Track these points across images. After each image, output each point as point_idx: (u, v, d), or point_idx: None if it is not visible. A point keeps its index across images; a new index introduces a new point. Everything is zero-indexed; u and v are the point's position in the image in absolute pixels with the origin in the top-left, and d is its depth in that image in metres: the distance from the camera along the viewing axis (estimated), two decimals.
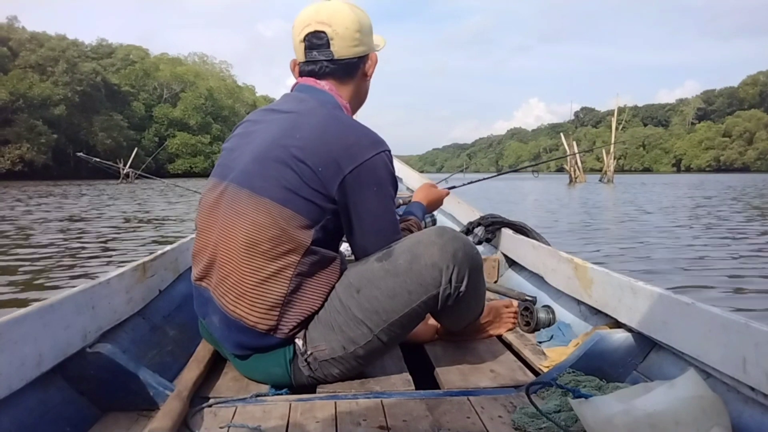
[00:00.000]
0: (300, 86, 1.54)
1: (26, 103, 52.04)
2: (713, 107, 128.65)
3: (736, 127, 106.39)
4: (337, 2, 1.51)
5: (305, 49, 1.50)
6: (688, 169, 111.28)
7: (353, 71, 1.54)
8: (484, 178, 3.67)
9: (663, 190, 23.63)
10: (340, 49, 1.49)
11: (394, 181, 1.47)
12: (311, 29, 1.48)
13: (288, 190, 1.35)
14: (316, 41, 1.48)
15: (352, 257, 1.52)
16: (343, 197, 1.38)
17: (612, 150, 38.73)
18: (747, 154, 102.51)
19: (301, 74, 1.55)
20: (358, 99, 1.61)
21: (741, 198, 17.05)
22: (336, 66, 1.51)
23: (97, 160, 3.96)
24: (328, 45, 1.48)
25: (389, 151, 1.45)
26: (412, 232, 1.65)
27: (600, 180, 37.81)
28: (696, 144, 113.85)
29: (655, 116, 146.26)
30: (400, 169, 4.41)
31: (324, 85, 1.52)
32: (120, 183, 30.29)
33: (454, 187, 2.87)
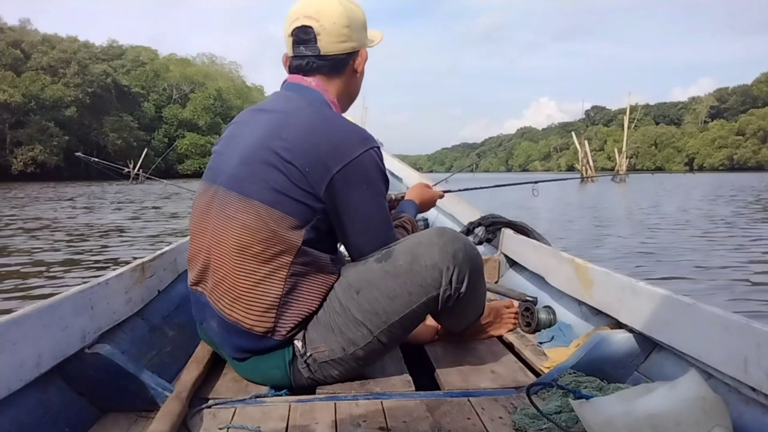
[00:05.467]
0: (288, 84, 1.52)
1: (38, 104, 52.61)
2: (726, 105, 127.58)
3: (749, 126, 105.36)
4: None
5: (293, 43, 1.49)
6: (701, 168, 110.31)
7: (341, 67, 1.51)
8: (482, 187, 3.52)
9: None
10: (327, 44, 1.46)
11: (385, 179, 1.45)
12: (299, 24, 1.46)
13: (276, 192, 1.34)
14: (303, 36, 1.46)
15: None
16: (331, 198, 1.36)
17: (624, 148, 38.53)
18: (761, 152, 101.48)
19: (290, 69, 1.53)
20: (348, 95, 1.57)
21: None
22: (323, 62, 1.48)
23: (95, 160, 3.94)
24: (315, 40, 1.46)
25: (379, 147, 1.43)
26: (406, 229, 1.64)
27: (612, 179, 37.56)
28: (709, 143, 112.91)
29: (668, 114, 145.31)
30: (400, 168, 4.39)
31: (311, 81, 1.49)
32: (131, 183, 30.48)
33: (449, 191, 2.83)
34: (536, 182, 3.07)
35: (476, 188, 3.36)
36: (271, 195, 1.34)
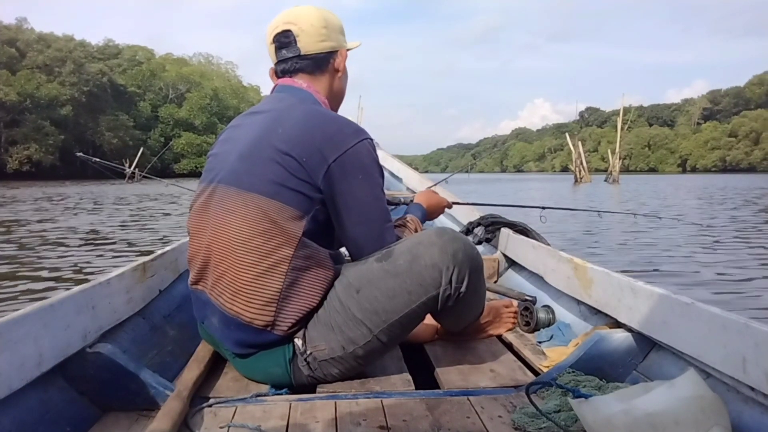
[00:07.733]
0: (279, 87, 1.58)
1: (34, 103, 52.36)
2: (719, 107, 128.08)
3: (742, 127, 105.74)
4: (305, 5, 1.56)
5: (276, 50, 1.56)
6: (694, 170, 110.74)
7: (323, 66, 1.58)
8: (489, 204, 3.47)
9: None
10: (307, 44, 1.54)
11: (380, 170, 1.49)
12: (278, 30, 1.54)
13: (275, 183, 1.36)
14: (284, 40, 1.54)
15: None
16: (329, 187, 1.39)
17: (617, 149, 38.60)
18: (753, 154, 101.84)
19: (277, 75, 1.59)
20: (333, 96, 1.64)
21: None
22: (305, 61, 1.55)
23: (97, 160, 3.90)
24: (295, 42, 1.53)
25: (371, 139, 1.47)
26: (409, 229, 1.65)
27: (605, 180, 37.70)
28: (702, 144, 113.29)
29: (661, 116, 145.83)
30: (400, 168, 4.40)
31: (301, 83, 1.55)
32: (126, 183, 30.37)
33: (457, 203, 2.85)
34: (543, 208, 3.01)
35: (485, 204, 3.39)
36: (270, 187, 1.37)
